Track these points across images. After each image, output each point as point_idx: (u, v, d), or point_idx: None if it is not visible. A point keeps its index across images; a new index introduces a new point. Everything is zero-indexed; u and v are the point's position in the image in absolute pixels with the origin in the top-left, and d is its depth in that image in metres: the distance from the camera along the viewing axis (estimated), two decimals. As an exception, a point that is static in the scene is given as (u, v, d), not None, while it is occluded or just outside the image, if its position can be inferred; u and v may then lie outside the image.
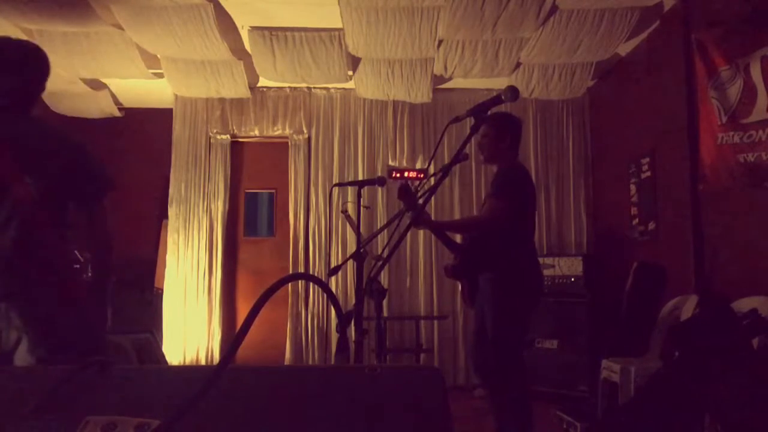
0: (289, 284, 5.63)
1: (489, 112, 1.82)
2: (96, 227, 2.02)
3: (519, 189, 2.92)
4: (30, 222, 1.76)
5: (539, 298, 3.04)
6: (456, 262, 3.05)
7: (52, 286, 1.81)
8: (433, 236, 5.54)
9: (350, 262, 3.91)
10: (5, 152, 1.74)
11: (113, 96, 5.66)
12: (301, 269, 5.59)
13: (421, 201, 2.72)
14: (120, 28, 4.21)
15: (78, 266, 2.13)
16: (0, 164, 1.73)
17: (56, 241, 1.85)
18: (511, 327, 2.88)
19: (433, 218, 4.48)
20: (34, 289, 1.80)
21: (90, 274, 2.07)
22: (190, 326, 5.50)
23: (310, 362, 5.49)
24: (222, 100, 5.73)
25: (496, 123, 3.02)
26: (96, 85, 5.35)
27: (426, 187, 3.15)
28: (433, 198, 4.78)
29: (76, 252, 2.06)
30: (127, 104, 5.92)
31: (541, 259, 4.88)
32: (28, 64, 1.97)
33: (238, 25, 4.43)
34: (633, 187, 4.71)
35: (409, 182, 2.98)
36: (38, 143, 1.87)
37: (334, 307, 0.93)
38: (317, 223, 5.64)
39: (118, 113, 5.83)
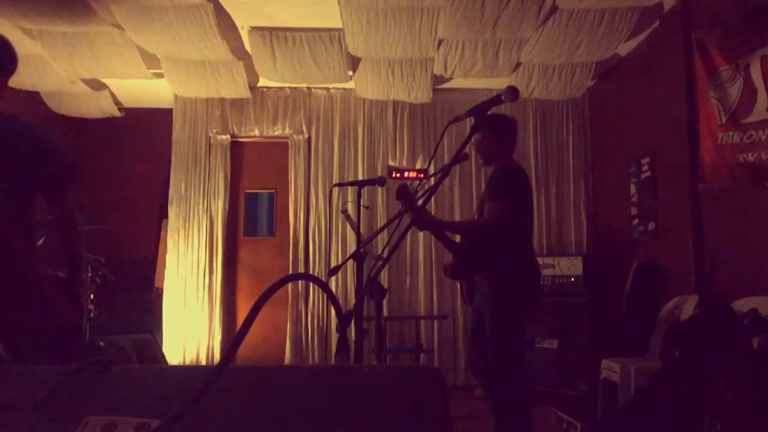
0: (289, 284, 5.63)
1: (489, 112, 1.82)
2: (65, 219, 1.99)
3: (517, 188, 2.93)
4: None
5: (537, 297, 3.05)
6: (455, 261, 3.05)
7: (15, 284, 1.78)
8: (432, 236, 5.55)
9: (350, 262, 3.92)
10: None
11: (113, 96, 5.66)
12: (301, 269, 5.59)
13: (421, 201, 2.72)
14: (120, 28, 4.21)
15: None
16: None
17: (19, 235, 1.80)
18: (509, 326, 2.88)
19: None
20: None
21: (54, 268, 2.03)
22: (190, 326, 5.50)
23: (310, 362, 5.49)
24: (222, 100, 5.73)
25: (490, 125, 3.03)
26: (96, 85, 5.35)
27: (426, 187, 3.15)
28: (433, 198, 4.78)
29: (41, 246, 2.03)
30: (127, 104, 5.92)
31: (541, 259, 4.91)
32: None
33: (238, 25, 4.43)
34: (633, 187, 4.71)
35: (409, 183, 2.98)
36: None
37: (334, 307, 0.93)
38: (317, 223, 5.64)
39: (118, 113, 5.83)
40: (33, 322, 1.79)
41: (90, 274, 4.79)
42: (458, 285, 3.44)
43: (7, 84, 2.02)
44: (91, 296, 4.79)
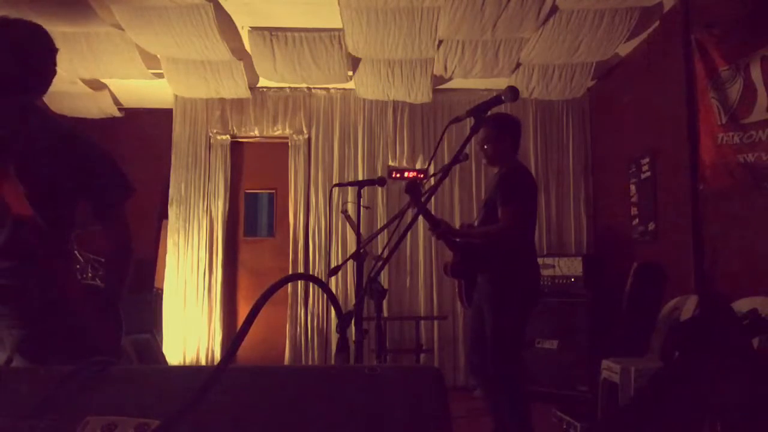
0: (289, 284, 5.63)
1: (489, 113, 1.82)
2: (113, 233, 1.89)
3: (528, 191, 2.98)
4: (21, 224, 1.57)
5: (538, 298, 3.05)
6: (455, 260, 3.05)
7: (46, 289, 1.67)
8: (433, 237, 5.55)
9: (350, 262, 3.93)
10: None
11: (113, 96, 5.66)
12: (301, 269, 5.59)
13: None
14: (120, 28, 4.21)
15: (78, 266, 2.03)
16: None
17: (50, 243, 1.68)
18: (510, 327, 2.88)
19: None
20: (27, 294, 1.66)
21: (91, 277, 2.00)
22: (190, 326, 5.50)
23: (310, 362, 5.49)
24: (222, 100, 5.72)
25: (495, 125, 3.04)
26: (96, 85, 5.35)
27: (426, 187, 3.15)
28: (433, 198, 4.78)
29: (76, 252, 1.98)
30: (127, 104, 5.92)
31: (541, 259, 4.92)
32: (26, 43, 1.76)
33: (238, 25, 4.43)
34: (633, 187, 4.71)
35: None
36: (35, 138, 1.68)
37: (334, 307, 0.93)
38: (317, 223, 5.64)
39: (118, 113, 5.83)
40: (63, 343, 1.65)
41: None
42: (456, 285, 3.43)
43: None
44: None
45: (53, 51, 1.85)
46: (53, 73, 1.87)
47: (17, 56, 1.74)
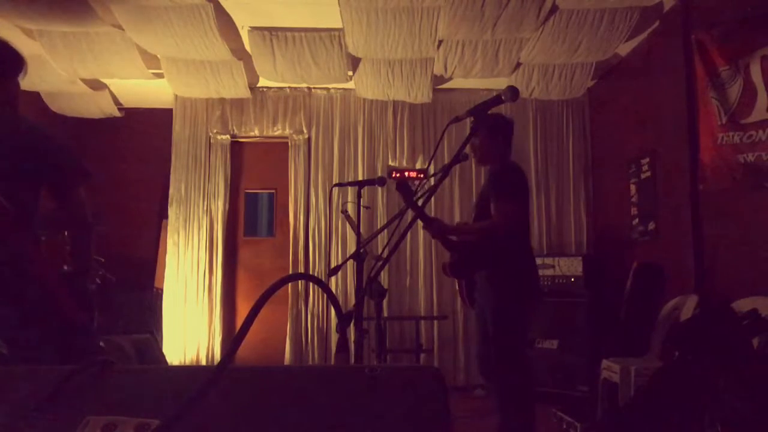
0: (289, 284, 5.63)
1: (489, 113, 1.82)
2: (72, 212, 2.01)
3: (521, 189, 2.97)
4: None
5: (539, 295, 3.05)
6: (453, 259, 3.06)
7: (25, 283, 1.79)
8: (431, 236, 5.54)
9: (350, 262, 3.92)
10: None
11: (113, 96, 5.66)
12: (301, 269, 5.59)
13: (421, 201, 2.72)
14: (120, 28, 4.21)
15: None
16: None
17: (23, 235, 1.82)
18: (511, 325, 2.88)
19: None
20: (5, 287, 1.77)
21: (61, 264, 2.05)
22: (190, 326, 5.50)
23: (310, 362, 5.49)
24: (222, 100, 5.73)
25: (486, 124, 3.03)
26: (96, 85, 5.35)
27: (426, 187, 3.15)
28: (433, 198, 4.78)
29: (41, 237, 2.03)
30: (127, 104, 5.91)
31: (541, 259, 4.95)
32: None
33: (238, 25, 4.43)
34: (633, 187, 4.71)
35: (409, 182, 3.00)
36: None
37: (334, 307, 0.93)
38: (317, 223, 5.64)
39: (118, 113, 5.83)
40: (37, 319, 1.79)
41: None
42: (457, 285, 3.43)
43: (11, 85, 2.03)
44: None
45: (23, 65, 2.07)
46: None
47: None
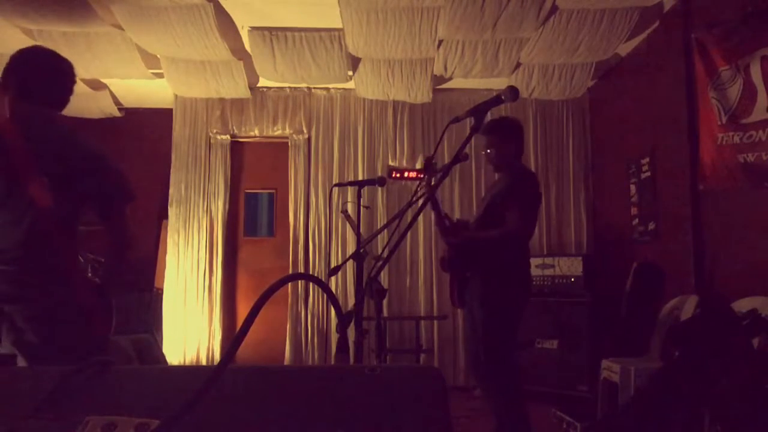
0: (289, 284, 5.63)
1: (488, 113, 1.82)
2: (114, 233, 2.07)
3: (538, 198, 3.03)
4: (43, 219, 1.80)
5: (528, 297, 3.05)
6: (450, 255, 3.07)
7: (58, 287, 1.83)
8: (432, 236, 5.55)
9: (350, 262, 3.92)
10: (28, 151, 1.79)
11: (113, 96, 5.66)
12: (301, 269, 5.59)
13: (420, 202, 2.72)
14: (120, 28, 4.21)
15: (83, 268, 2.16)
16: (21, 162, 1.77)
17: (64, 241, 1.86)
18: (500, 326, 2.89)
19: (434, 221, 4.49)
20: (40, 289, 1.80)
21: (93, 277, 2.11)
22: (190, 326, 5.50)
23: (310, 362, 5.49)
24: (222, 100, 5.73)
25: (500, 130, 3.06)
26: (96, 85, 5.35)
27: (425, 187, 3.14)
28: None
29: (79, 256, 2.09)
30: (127, 104, 5.92)
31: (541, 259, 4.95)
32: (53, 68, 2.04)
33: (238, 25, 4.43)
34: (633, 187, 4.71)
35: (410, 182, 3.01)
36: (58, 146, 1.92)
37: (334, 307, 0.93)
38: (317, 223, 5.64)
39: (118, 113, 5.83)
40: (62, 321, 1.82)
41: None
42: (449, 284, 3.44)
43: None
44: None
45: (75, 81, 2.14)
46: (64, 93, 2.12)
47: (55, 78, 2.05)
